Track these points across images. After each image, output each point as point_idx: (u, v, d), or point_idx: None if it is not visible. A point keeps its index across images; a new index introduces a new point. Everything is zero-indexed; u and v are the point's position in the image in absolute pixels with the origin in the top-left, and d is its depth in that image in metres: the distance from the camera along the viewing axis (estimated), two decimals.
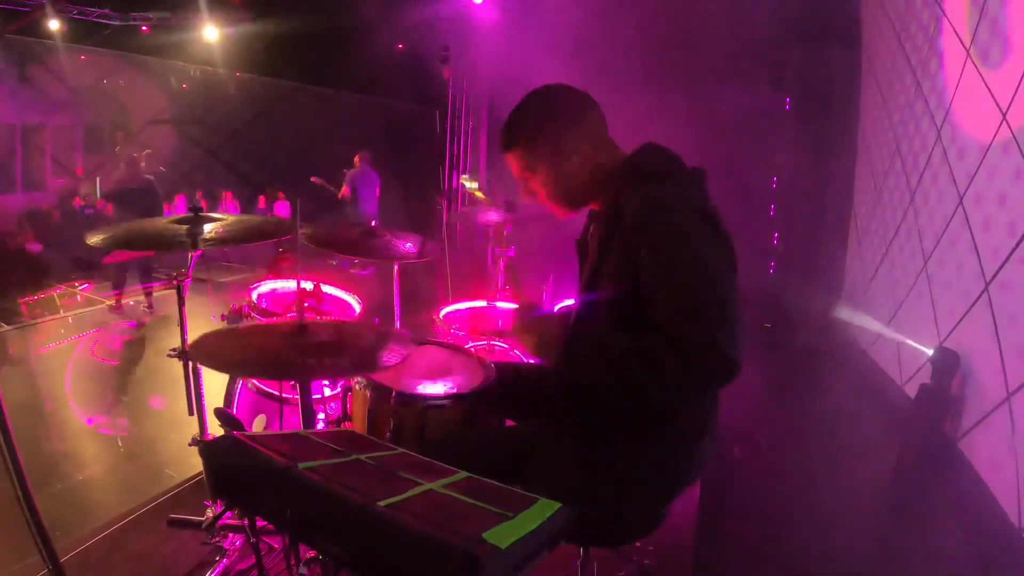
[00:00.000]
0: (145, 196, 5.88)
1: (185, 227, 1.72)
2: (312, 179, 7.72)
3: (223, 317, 2.28)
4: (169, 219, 1.79)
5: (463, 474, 0.99)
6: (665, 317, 1.11)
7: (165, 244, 1.71)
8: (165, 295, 5.95)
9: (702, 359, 1.06)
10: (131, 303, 6.22)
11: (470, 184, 6.77)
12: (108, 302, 6.16)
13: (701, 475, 1.41)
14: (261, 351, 1.40)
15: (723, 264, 1.17)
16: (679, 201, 1.22)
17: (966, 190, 2.99)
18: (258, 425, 2.33)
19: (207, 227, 1.74)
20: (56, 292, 6.33)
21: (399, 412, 1.62)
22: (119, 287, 6.15)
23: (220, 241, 1.73)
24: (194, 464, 2.71)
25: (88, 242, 1.69)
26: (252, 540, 1.63)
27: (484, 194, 6.03)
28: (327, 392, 2.25)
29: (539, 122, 1.35)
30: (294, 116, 10.48)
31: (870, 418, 3.53)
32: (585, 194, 1.38)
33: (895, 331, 3.83)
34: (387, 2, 6.79)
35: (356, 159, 7.61)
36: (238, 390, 2.34)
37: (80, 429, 3.58)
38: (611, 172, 1.34)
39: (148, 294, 6.15)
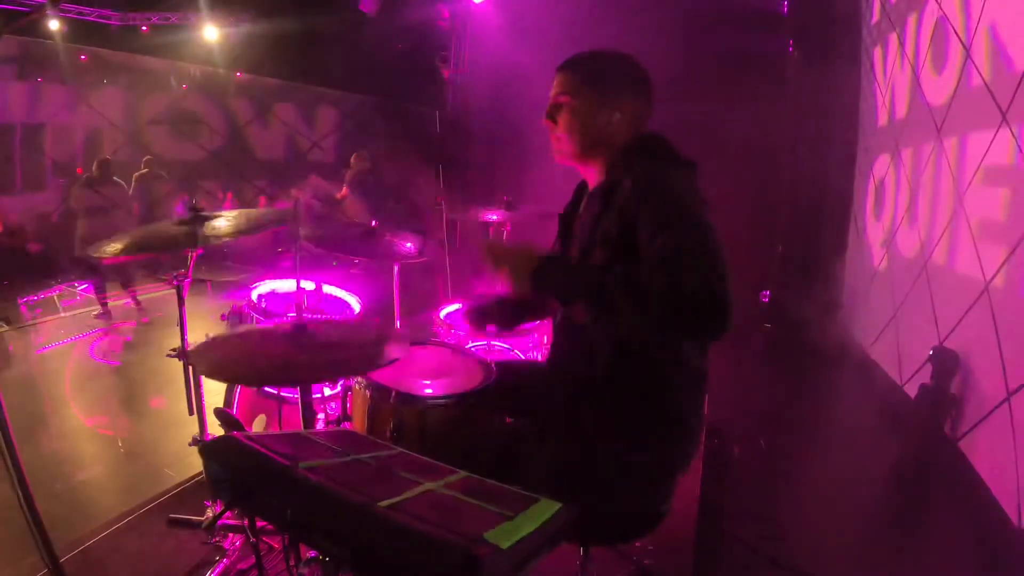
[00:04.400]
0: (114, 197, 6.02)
1: (185, 228, 1.73)
2: (312, 176, 7.72)
3: (223, 317, 2.28)
4: (169, 220, 1.80)
5: (463, 474, 0.99)
6: (660, 261, 1.09)
7: (166, 245, 1.71)
8: (165, 295, 5.95)
9: (693, 300, 1.03)
10: (130, 304, 6.23)
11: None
12: (117, 302, 6.17)
13: (699, 467, 1.43)
14: (262, 358, 1.40)
15: (715, 233, 1.15)
16: (677, 175, 1.29)
17: (966, 190, 2.99)
18: (258, 425, 2.33)
19: (209, 223, 1.74)
20: (56, 292, 6.33)
21: (399, 412, 1.63)
22: (128, 286, 6.18)
23: (223, 234, 1.73)
24: (194, 464, 2.71)
25: (103, 253, 1.67)
26: (252, 540, 1.63)
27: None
28: (327, 392, 2.25)
29: (607, 64, 1.43)
30: (294, 116, 10.46)
31: (870, 418, 3.53)
32: (594, 148, 1.42)
33: (895, 331, 3.83)
34: (387, 2, 6.78)
35: (353, 159, 7.61)
36: (238, 390, 2.34)
37: (80, 429, 3.57)
38: (622, 151, 1.39)
39: (134, 297, 6.22)
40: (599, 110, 1.39)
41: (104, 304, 5.99)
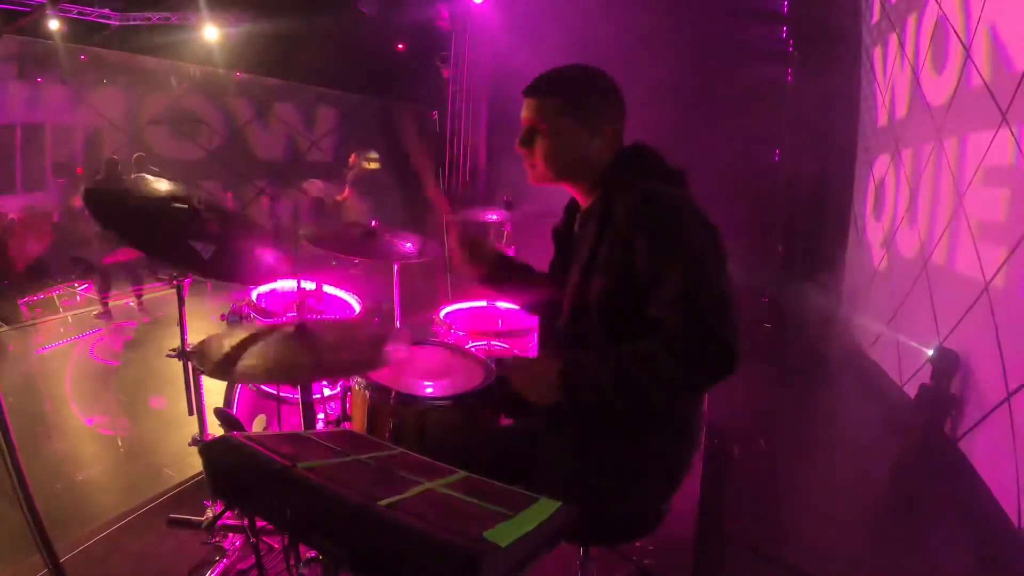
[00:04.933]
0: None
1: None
2: (312, 180, 7.72)
3: (223, 317, 2.28)
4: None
5: (463, 474, 0.99)
6: (663, 312, 1.12)
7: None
8: (165, 295, 5.95)
9: (703, 353, 1.07)
10: (130, 303, 6.23)
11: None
12: (121, 301, 6.17)
13: (699, 467, 1.42)
14: (261, 356, 1.40)
15: (718, 256, 1.18)
16: (671, 194, 1.25)
17: (966, 190, 2.99)
18: (258, 425, 2.33)
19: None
20: (56, 292, 6.33)
21: (399, 412, 1.62)
22: (137, 284, 6.18)
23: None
24: (194, 464, 2.71)
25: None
26: (252, 540, 1.63)
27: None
28: (327, 392, 2.25)
29: (584, 88, 1.37)
30: (294, 116, 10.47)
31: (870, 418, 3.53)
32: (575, 174, 1.39)
33: (895, 331, 3.83)
34: (387, 2, 6.78)
35: (352, 158, 7.61)
36: (238, 390, 2.34)
37: (80, 429, 3.57)
38: (605, 168, 1.37)
39: (139, 296, 6.20)
40: (579, 136, 1.34)
41: (105, 304, 5.99)
